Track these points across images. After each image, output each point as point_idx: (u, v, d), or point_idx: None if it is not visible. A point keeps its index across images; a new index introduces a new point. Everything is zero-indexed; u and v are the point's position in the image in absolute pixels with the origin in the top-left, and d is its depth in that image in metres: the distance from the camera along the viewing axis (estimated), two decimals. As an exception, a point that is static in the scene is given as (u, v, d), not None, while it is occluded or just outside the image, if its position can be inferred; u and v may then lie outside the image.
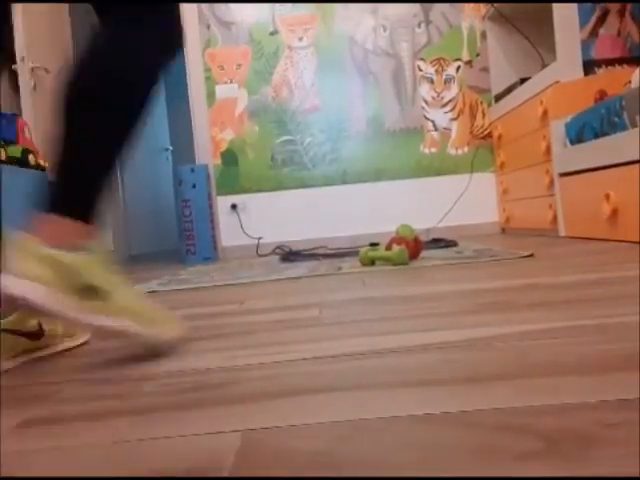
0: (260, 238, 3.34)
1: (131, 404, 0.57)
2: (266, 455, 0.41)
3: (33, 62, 2.65)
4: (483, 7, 3.29)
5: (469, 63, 3.37)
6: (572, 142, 2.28)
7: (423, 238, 3.16)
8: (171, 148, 5.71)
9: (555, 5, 2.41)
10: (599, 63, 2.57)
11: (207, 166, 3.12)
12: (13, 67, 2.66)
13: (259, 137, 3.38)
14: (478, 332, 0.75)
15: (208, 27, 3.37)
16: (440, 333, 0.76)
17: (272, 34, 3.38)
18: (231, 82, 3.38)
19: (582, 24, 2.77)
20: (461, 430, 0.43)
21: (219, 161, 3.37)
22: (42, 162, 2.18)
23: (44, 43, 2.82)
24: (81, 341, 0.90)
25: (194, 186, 2.99)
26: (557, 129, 2.39)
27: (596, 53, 2.82)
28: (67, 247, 0.73)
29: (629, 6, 2.81)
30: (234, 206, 3.36)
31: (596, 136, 2.06)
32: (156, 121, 5.43)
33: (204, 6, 3.36)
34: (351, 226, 3.38)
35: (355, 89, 3.40)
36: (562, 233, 2.42)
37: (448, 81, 3.37)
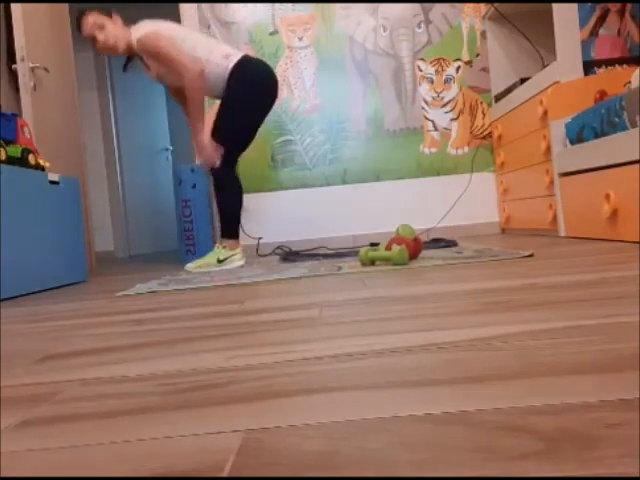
0: (260, 238, 3.34)
1: (131, 404, 0.57)
2: (266, 455, 0.41)
3: (33, 62, 2.65)
4: (483, 7, 3.30)
5: (469, 63, 3.37)
6: (572, 142, 2.28)
7: (423, 238, 3.16)
8: (171, 148, 5.70)
9: (555, 5, 2.41)
10: (599, 63, 2.57)
11: (207, 166, 3.12)
12: (13, 67, 2.66)
13: (259, 137, 3.38)
14: (478, 332, 0.75)
15: (208, 27, 3.37)
16: (440, 333, 0.76)
17: (272, 34, 3.38)
18: (231, 82, 3.38)
19: (582, 24, 2.77)
20: (461, 430, 0.43)
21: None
22: (42, 162, 2.18)
23: (44, 43, 2.82)
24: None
25: (194, 186, 2.99)
26: (557, 129, 2.39)
27: (596, 53, 2.82)
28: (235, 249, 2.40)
29: (629, 6, 2.82)
30: (234, 206, 3.36)
31: (596, 136, 2.06)
32: (156, 121, 5.43)
33: (204, 6, 3.36)
34: (351, 226, 3.38)
35: (355, 89, 3.40)
36: (562, 233, 2.42)
37: (448, 81, 3.37)
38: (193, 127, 2.27)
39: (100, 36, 2.22)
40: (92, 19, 2.23)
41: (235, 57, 2.30)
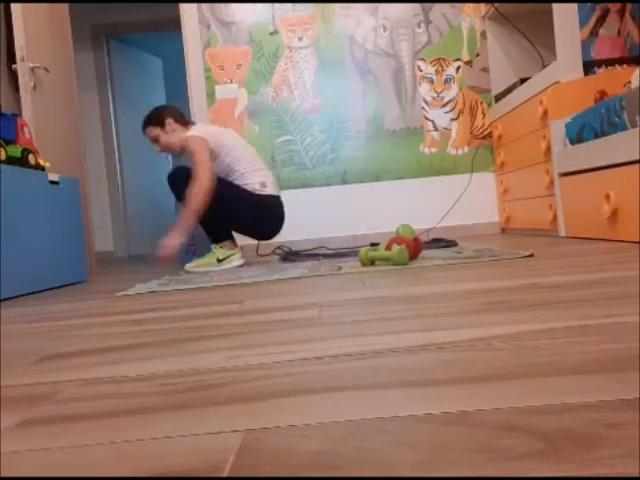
0: (260, 238, 3.34)
1: (131, 404, 0.57)
2: (266, 455, 0.41)
3: (33, 62, 2.65)
4: (483, 7, 3.30)
5: (469, 63, 3.37)
6: (572, 142, 2.28)
7: (423, 238, 3.16)
8: (171, 148, 5.69)
9: (555, 5, 2.41)
10: (599, 63, 2.57)
11: (207, 166, 3.12)
12: (13, 67, 2.66)
13: (259, 137, 3.38)
14: (478, 332, 0.75)
15: (208, 27, 3.37)
16: (440, 333, 0.76)
17: (272, 34, 3.38)
18: (231, 82, 3.38)
19: (582, 24, 2.77)
20: (461, 430, 0.43)
21: (219, 161, 3.37)
22: (42, 162, 2.18)
23: (44, 43, 2.82)
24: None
25: (194, 186, 2.99)
26: (557, 129, 2.39)
27: (596, 53, 2.82)
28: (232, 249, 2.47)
29: (629, 6, 2.82)
30: (234, 206, 3.36)
31: (596, 136, 2.06)
32: (156, 121, 5.41)
33: (204, 6, 3.36)
34: (351, 226, 3.38)
35: (355, 89, 3.40)
36: (562, 233, 2.42)
37: (448, 81, 3.37)
38: (183, 222, 2.30)
39: (157, 147, 2.51)
40: (151, 132, 2.48)
41: (270, 190, 2.46)
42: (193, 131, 2.42)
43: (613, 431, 0.40)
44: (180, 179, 2.37)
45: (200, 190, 2.26)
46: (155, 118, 2.46)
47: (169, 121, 2.46)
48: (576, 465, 0.35)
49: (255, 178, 2.43)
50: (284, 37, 3.38)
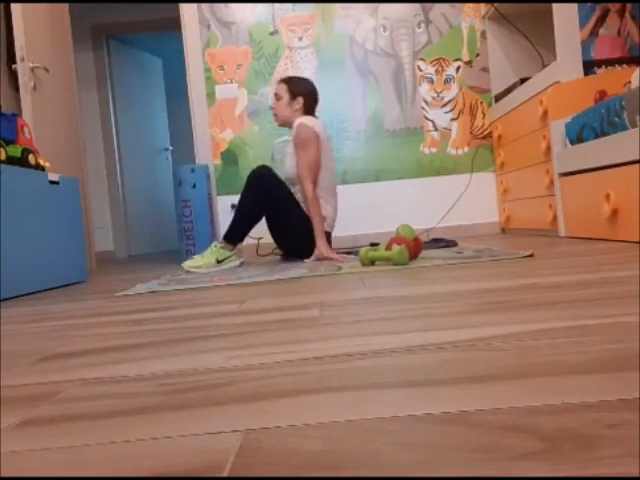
0: (260, 238, 3.34)
1: (131, 404, 0.57)
2: (266, 455, 0.41)
3: (33, 62, 2.65)
4: (483, 7, 3.29)
5: (469, 63, 3.37)
6: (572, 142, 2.28)
7: (423, 238, 3.16)
8: (171, 148, 5.70)
9: (555, 5, 2.41)
10: (599, 63, 2.57)
11: (207, 166, 3.12)
12: (13, 67, 2.66)
13: (259, 137, 3.38)
14: (478, 332, 0.75)
15: (208, 27, 3.37)
16: (440, 333, 0.76)
17: (272, 34, 3.38)
18: (231, 82, 3.38)
19: (582, 24, 2.77)
20: (461, 430, 0.43)
21: (219, 161, 3.38)
22: (42, 162, 2.18)
23: (44, 43, 2.82)
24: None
25: (194, 186, 2.99)
26: (557, 129, 2.39)
27: (596, 53, 2.82)
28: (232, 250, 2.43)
29: (629, 6, 2.81)
30: (234, 206, 3.35)
31: (596, 136, 2.06)
32: (156, 121, 5.42)
33: (204, 6, 3.36)
34: (351, 226, 3.38)
35: (355, 89, 3.40)
36: (562, 233, 2.42)
37: (448, 81, 3.37)
38: (318, 233, 2.35)
39: (274, 103, 2.53)
40: (280, 90, 2.50)
41: (326, 227, 2.45)
42: (312, 120, 2.40)
43: (613, 431, 0.40)
44: (262, 182, 2.37)
45: (311, 204, 2.32)
46: (294, 85, 2.47)
47: (299, 99, 2.47)
48: (576, 465, 0.35)
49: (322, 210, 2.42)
50: (284, 37, 3.38)
